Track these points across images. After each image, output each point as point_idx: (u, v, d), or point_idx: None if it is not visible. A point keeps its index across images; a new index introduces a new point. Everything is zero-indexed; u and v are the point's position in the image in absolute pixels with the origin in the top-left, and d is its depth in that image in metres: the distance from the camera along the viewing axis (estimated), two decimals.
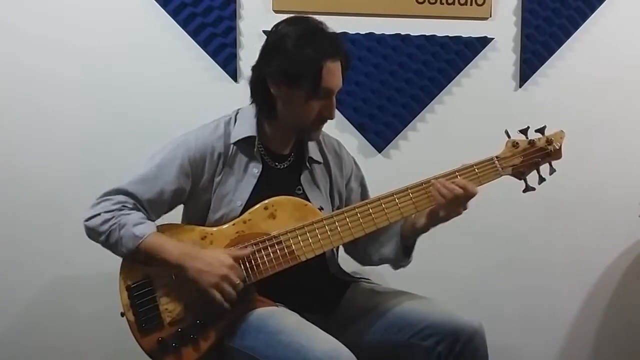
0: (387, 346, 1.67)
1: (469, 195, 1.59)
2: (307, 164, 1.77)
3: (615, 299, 2.61)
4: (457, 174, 1.63)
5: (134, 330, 1.61)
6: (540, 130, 1.66)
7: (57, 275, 2.34)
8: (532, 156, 1.67)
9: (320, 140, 1.82)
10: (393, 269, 1.82)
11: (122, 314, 1.62)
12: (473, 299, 2.43)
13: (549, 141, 1.66)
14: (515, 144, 1.67)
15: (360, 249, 1.84)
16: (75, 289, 2.34)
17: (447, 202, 1.59)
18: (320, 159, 1.80)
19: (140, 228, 1.59)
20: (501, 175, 1.67)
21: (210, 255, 1.59)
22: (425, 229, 1.68)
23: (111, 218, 1.61)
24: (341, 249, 1.85)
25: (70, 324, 2.35)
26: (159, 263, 1.59)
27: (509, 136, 1.66)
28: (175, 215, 1.76)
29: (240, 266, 1.59)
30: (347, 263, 1.90)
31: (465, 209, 1.62)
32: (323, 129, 1.80)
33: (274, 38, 1.66)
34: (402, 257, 1.75)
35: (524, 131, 1.65)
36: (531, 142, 1.66)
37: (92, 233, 1.65)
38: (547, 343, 2.61)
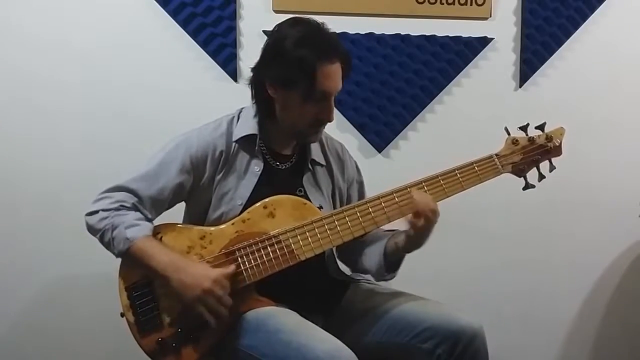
0: (387, 348, 1.66)
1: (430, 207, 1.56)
2: (310, 166, 1.76)
3: (615, 299, 2.61)
4: (408, 188, 1.61)
5: (134, 331, 1.60)
6: (540, 127, 1.64)
7: (57, 275, 2.34)
8: (532, 153, 1.65)
9: (324, 143, 1.81)
10: (375, 280, 1.80)
11: (122, 315, 1.62)
12: (473, 300, 2.43)
13: (548, 138, 1.65)
14: (515, 141, 1.65)
15: (346, 256, 1.83)
16: (75, 289, 2.34)
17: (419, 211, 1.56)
18: (322, 162, 1.79)
19: (132, 230, 1.58)
20: (501, 173, 1.65)
21: (195, 268, 1.57)
22: (404, 249, 1.65)
23: (107, 217, 1.61)
24: None
25: (70, 324, 2.35)
26: (146, 269, 1.58)
27: (508, 133, 1.65)
28: (177, 215, 1.76)
29: (228, 281, 1.57)
30: None
31: (428, 228, 1.58)
32: (327, 131, 1.79)
33: (273, 40, 1.66)
34: (383, 272, 1.72)
35: (524, 128, 1.64)
36: (531, 139, 1.65)
37: (90, 229, 1.66)
38: (547, 344, 2.60)
